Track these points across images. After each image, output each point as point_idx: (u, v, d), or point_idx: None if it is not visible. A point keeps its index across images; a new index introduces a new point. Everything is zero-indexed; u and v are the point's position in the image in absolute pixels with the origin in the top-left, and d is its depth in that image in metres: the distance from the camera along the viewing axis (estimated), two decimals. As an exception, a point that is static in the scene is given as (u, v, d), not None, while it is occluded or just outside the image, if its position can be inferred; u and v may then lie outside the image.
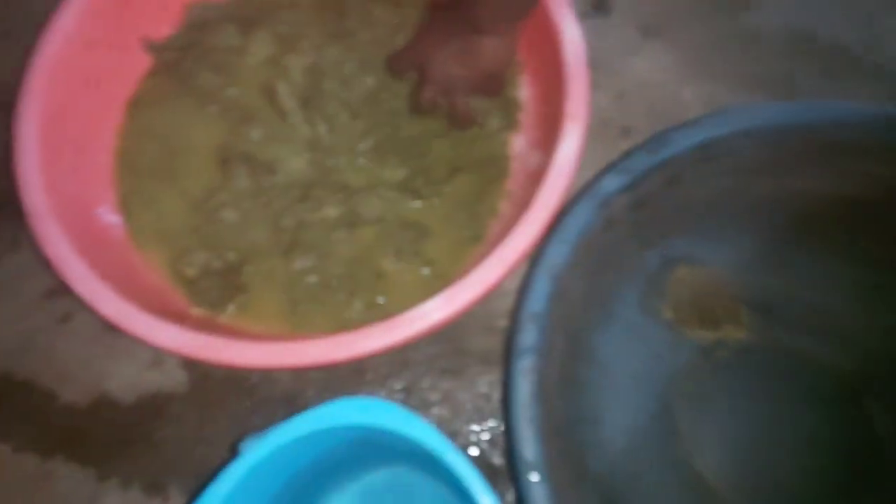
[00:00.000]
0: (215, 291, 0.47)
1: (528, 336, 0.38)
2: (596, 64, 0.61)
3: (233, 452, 0.33)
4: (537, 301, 0.39)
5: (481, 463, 0.47)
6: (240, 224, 0.49)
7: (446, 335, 0.50)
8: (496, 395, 0.48)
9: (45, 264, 0.52)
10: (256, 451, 0.33)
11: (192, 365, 0.49)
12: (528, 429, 0.35)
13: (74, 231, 0.42)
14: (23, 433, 0.49)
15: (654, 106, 0.59)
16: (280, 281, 0.48)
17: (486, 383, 0.49)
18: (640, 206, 0.46)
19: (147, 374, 0.50)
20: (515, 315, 0.40)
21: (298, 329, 0.47)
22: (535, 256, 0.42)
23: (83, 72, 0.48)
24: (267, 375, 0.49)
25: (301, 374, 0.48)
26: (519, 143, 0.53)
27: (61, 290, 0.52)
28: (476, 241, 0.50)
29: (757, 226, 0.50)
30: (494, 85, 0.50)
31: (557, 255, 0.41)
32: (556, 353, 0.42)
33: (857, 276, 0.49)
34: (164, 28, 0.54)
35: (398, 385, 0.48)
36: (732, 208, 0.50)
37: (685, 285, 0.50)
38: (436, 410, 0.47)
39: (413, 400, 0.48)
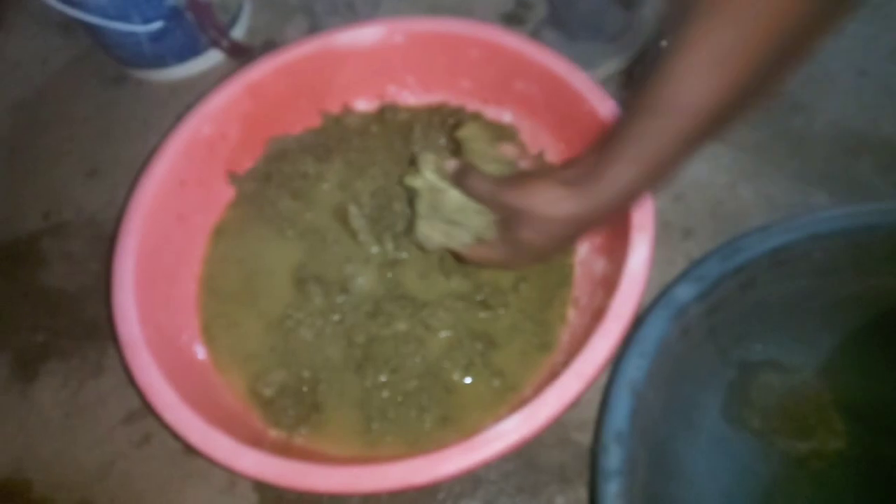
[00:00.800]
0: (291, 411, 0.47)
1: (614, 458, 0.37)
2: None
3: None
4: (620, 420, 0.38)
5: None
6: (314, 342, 0.50)
7: (518, 450, 0.48)
8: (577, 516, 0.46)
9: (128, 388, 0.55)
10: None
11: (264, 488, 0.49)
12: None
13: (163, 359, 0.44)
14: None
15: (714, 206, 0.60)
16: (353, 398, 0.49)
17: (564, 501, 0.47)
18: (714, 312, 0.45)
19: (221, 497, 0.50)
20: (598, 435, 0.39)
21: (371, 447, 0.47)
22: (613, 371, 0.41)
23: (175, 208, 0.52)
24: (337, 499, 0.48)
25: (370, 497, 0.47)
26: (582, 250, 0.54)
27: (140, 413, 0.54)
28: (546, 349, 0.50)
29: (841, 326, 0.48)
30: None
31: (637, 369, 0.40)
32: (639, 471, 0.40)
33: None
34: (246, 161, 0.58)
35: (473, 505, 0.47)
36: (813, 309, 0.48)
37: (770, 391, 0.47)
38: (516, 534, 0.45)
39: (491, 522, 0.46)
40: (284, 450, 0.46)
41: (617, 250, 0.47)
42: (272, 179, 0.56)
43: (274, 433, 0.48)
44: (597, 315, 0.44)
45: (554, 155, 0.57)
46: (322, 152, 0.57)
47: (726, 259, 0.43)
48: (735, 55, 0.30)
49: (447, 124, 0.56)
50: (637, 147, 0.34)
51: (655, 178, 0.36)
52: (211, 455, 0.40)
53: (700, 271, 0.43)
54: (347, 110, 0.60)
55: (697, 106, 0.32)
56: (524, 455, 0.48)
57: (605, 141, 0.37)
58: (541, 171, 0.44)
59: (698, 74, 0.31)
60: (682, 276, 0.43)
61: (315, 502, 0.48)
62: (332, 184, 0.56)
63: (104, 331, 0.58)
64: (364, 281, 0.52)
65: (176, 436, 0.41)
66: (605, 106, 0.50)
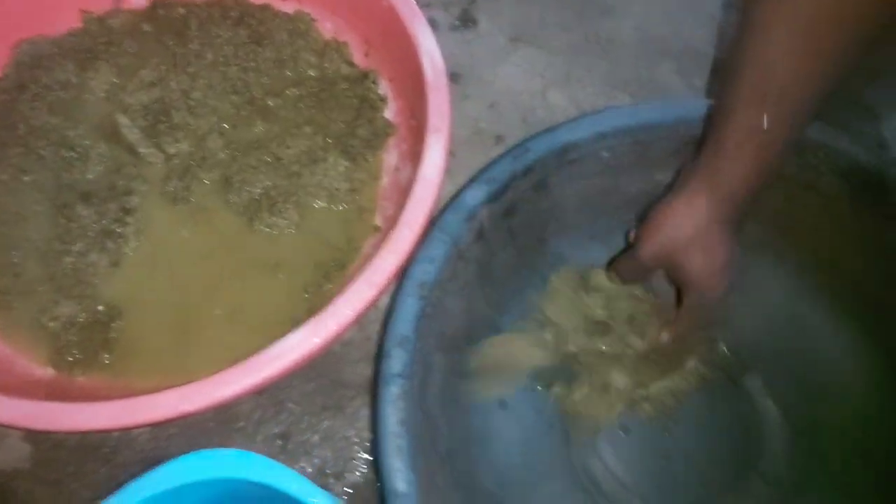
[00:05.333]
0: (76, 350, 0.43)
1: (396, 362, 0.36)
2: (467, 74, 0.61)
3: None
4: (404, 323, 0.38)
5: (373, 499, 0.44)
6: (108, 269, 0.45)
7: (321, 369, 0.47)
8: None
9: None
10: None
11: (37, 436, 0.44)
12: (398, 459, 0.33)
13: None
14: None
15: (525, 113, 0.60)
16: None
17: (370, 413, 0.47)
18: (511, 214, 0.45)
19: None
20: (382, 341, 0.38)
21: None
22: (401, 277, 0.40)
23: None
24: (124, 438, 0.44)
25: (161, 432, 0.44)
26: (391, 158, 0.52)
27: None
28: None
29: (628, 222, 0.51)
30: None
31: (423, 273, 0.39)
32: (435, 374, 0.41)
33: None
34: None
35: (274, 430, 0.45)
36: (605, 208, 0.50)
37: (566, 284, 0.49)
38: (318, 452, 0.44)
39: (292, 445, 0.44)
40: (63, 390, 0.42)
41: (418, 155, 0.45)
42: (27, 91, 0.48)
43: (48, 372, 0.42)
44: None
45: (357, 48, 0.53)
46: (86, 58, 0.49)
47: (516, 160, 0.43)
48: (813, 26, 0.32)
49: (230, 18, 0.50)
50: (748, 143, 0.35)
51: (772, 164, 0.36)
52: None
53: (490, 173, 0.43)
54: (117, 9, 0.52)
55: (792, 84, 0.33)
56: (328, 374, 0.47)
57: (709, 141, 0.38)
58: (658, 209, 0.41)
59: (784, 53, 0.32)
60: (472, 180, 0.43)
61: (100, 445, 0.44)
62: (99, 95, 0.48)
63: None
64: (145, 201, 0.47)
65: None
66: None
